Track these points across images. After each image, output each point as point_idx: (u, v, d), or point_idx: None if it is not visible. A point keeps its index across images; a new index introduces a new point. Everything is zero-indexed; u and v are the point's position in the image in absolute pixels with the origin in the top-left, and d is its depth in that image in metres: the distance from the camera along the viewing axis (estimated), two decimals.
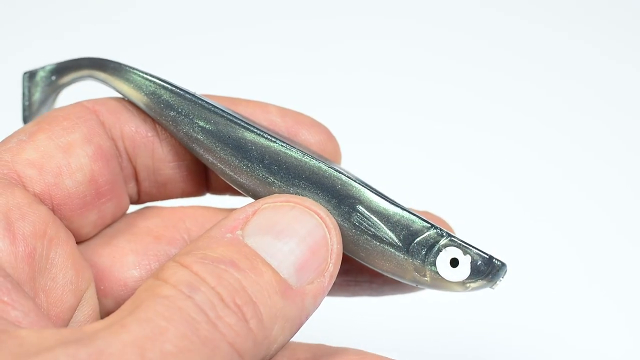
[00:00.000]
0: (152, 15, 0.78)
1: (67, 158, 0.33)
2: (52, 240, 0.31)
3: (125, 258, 0.35)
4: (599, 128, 0.70)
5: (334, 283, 0.38)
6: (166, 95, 0.35)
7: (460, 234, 0.36)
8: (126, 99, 0.36)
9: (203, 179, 0.38)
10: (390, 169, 0.64)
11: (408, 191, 0.48)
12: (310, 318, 0.32)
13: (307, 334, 0.36)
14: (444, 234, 0.34)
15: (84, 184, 0.34)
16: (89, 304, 0.33)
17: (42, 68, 0.37)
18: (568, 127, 0.70)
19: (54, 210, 0.33)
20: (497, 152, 0.68)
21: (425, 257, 0.34)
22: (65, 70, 0.37)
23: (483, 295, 0.38)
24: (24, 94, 0.38)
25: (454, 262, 0.34)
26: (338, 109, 0.67)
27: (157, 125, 0.36)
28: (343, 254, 0.34)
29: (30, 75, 0.38)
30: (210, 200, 0.39)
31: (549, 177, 0.67)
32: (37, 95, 0.38)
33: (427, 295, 0.41)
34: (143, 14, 0.78)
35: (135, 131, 0.36)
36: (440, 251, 0.34)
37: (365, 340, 0.40)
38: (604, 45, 0.76)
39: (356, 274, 0.38)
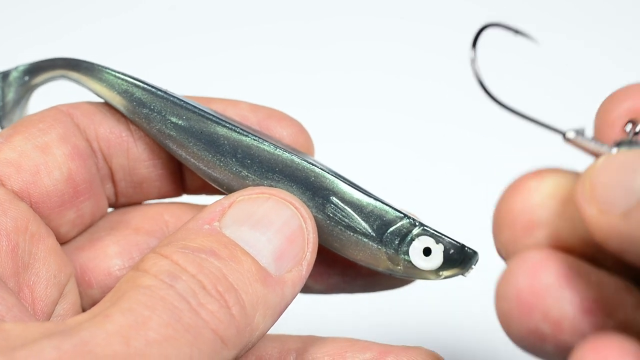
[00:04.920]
0: (140, 19, 0.78)
1: (44, 157, 0.34)
2: (34, 235, 0.32)
3: (107, 249, 0.36)
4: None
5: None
6: (138, 93, 0.36)
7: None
8: (99, 97, 0.36)
9: (178, 178, 0.38)
10: (374, 168, 0.64)
11: (392, 190, 0.48)
12: (301, 313, 0.33)
13: (297, 329, 0.36)
14: (417, 224, 0.35)
15: (61, 182, 0.34)
16: (69, 299, 0.33)
17: (15, 68, 0.38)
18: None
19: (32, 208, 0.33)
20: (485, 152, 0.68)
21: (398, 247, 0.34)
22: (39, 70, 0.37)
23: (479, 287, 0.38)
24: None
25: (427, 251, 0.34)
26: (322, 109, 0.68)
27: (131, 126, 0.37)
28: (318, 244, 0.34)
29: (3, 76, 0.38)
30: (187, 200, 0.40)
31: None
32: (10, 96, 0.38)
33: (415, 289, 0.41)
34: (131, 18, 0.78)
35: (110, 132, 0.36)
36: (413, 240, 0.34)
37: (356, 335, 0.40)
38: (603, 45, 0.76)
39: (328, 264, 0.39)
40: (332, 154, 0.42)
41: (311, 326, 0.41)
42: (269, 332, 0.35)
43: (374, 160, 0.65)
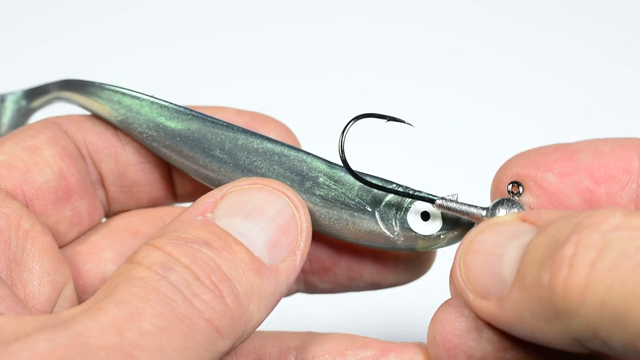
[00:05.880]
0: (140, 19, 0.78)
1: (34, 157, 0.34)
2: (27, 232, 0.32)
3: (102, 254, 0.36)
4: (596, 130, 0.69)
5: (313, 274, 0.38)
6: (126, 100, 0.36)
7: None
8: (90, 112, 0.37)
9: (169, 183, 0.39)
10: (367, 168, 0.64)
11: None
12: (299, 308, 0.32)
13: (296, 323, 0.36)
14: (410, 190, 0.35)
15: (53, 180, 0.34)
16: (68, 300, 0.33)
17: (13, 93, 0.39)
18: (556, 124, 0.69)
19: (27, 205, 0.34)
20: (484, 151, 0.68)
21: (395, 216, 0.34)
22: (34, 95, 0.39)
23: None
24: None
25: (425, 216, 0.34)
26: (322, 110, 0.68)
27: (119, 132, 0.37)
28: (319, 234, 0.35)
29: (1, 100, 0.39)
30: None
31: None
32: (7, 119, 0.39)
33: (414, 283, 0.41)
34: (131, 18, 0.78)
35: (98, 137, 0.37)
36: (410, 206, 0.35)
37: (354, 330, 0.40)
38: (603, 46, 0.75)
39: (334, 260, 0.39)
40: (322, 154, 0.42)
41: (310, 320, 0.41)
42: (268, 330, 0.35)
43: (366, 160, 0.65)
